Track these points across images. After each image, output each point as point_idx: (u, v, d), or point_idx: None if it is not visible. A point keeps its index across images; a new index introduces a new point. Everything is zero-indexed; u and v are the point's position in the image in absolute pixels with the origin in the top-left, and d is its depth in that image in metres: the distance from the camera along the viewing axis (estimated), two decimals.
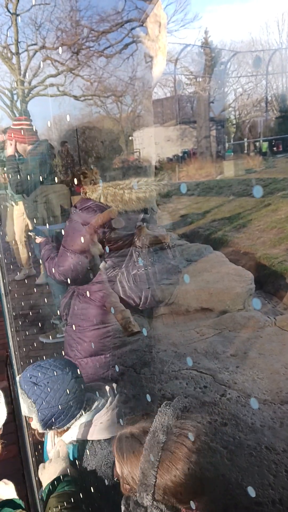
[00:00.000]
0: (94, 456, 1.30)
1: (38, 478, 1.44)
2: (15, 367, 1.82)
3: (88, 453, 1.31)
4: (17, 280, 4.32)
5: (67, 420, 1.32)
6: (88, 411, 1.35)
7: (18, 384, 1.36)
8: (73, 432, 1.33)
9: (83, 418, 1.33)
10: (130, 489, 1.02)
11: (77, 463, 1.31)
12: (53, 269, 1.68)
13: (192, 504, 0.93)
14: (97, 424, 1.31)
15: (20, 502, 1.23)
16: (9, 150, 3.07)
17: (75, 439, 1.33)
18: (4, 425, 2.33)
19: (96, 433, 1.31)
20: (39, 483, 1.46)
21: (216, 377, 2.20)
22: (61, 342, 2.85)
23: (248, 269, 3.76)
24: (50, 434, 1.46)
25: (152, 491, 0.94)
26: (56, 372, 1.33)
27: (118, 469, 1.06)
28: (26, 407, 1.30)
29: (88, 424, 1.32)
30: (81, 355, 1.73)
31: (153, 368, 2.29)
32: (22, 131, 2.98)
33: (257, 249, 5.29)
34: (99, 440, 1.31)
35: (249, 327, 2.76)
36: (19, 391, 1.33)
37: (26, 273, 4.42)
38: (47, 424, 1.30)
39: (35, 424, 1.32)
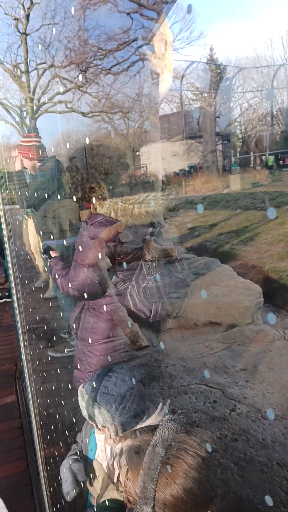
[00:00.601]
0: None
1: (49, 495, 1.44)
2: (27, 380, 1.83)
3: None
4: (36, 288, 4.41)
5: (143, 417, 1.34)
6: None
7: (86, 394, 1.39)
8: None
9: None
10: (133, 502, 1.03)
11: None
12: (67, 285, 1.69)
13: None
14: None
15: None
16: (17, 166, 3.14)
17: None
18: (11, 439, 2.33)
19: None
20: (51, 499, 1.46)
21: (226, 391, 2.18)
22: (70, 356, 2.84)
23: (256, 283, 3.75)
24: (100, 440, 1.45)
25: (152, 504, 0.95)
26: (119, 376, 1.40)
27: (121, 481, 1.06)
28: (101, 418, 1.32)
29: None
30: (91, 368, 1.73)
31: (162, 382, 2.27)
32: (32, 147, 3.04)
33: (265, 262, 5.27)
34: None
35: (258, 341, 2.74)
36: (92, 404, 1.35)
37: (44, 280, 4.49)
38: (127, 426, 1.32)
39: (112, 430, 1.33)
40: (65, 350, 3.07)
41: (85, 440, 1.51)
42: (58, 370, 2.75)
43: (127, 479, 1.03)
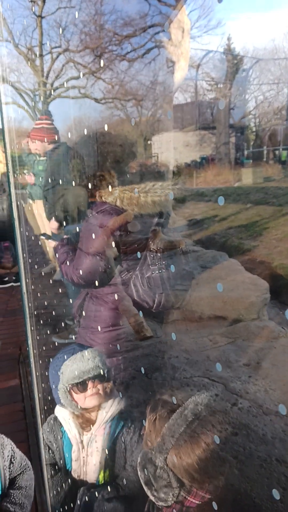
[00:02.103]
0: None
1: (46, 458, 1.49)
2: (32, 365, 1.84)
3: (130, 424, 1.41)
4: (45, 273, 4.39)
5: None
6: None
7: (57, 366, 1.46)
8: (104, 412, 1.39)
9: None
10: (150, 447, 1.09)
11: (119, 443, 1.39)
12: (71, 272, 1.69)
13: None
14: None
15: None
16: (32, 148, 3.13)
17: (110, 415, 1.40)
18: (13, 422, 2.35)
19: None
20: (48, 461, 1.51)
21: (228, 386, 2.18)
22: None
23: (264, 278, 3.71)
24: (73, 432, 1.46)
25: (166, 456, 1.02)
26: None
27: (146, 425, 1.14)
28: (93, 365, 1.39)
29: (118, 398, 1.42)
30: None
31: (165, 373, 2.27)
32: (42, 129, 3.03)
33: (273, 258, 5.23)
34: None
35: (263, 337, 2.73)
36: (75, 357, 1.42)
37: (53, 266, 4.48)
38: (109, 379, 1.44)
39: (95, 390, 1.39)
40: (69, 336, 3.08)
41: (59, 443, 1.50)
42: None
43: (151, 424, 1.10)
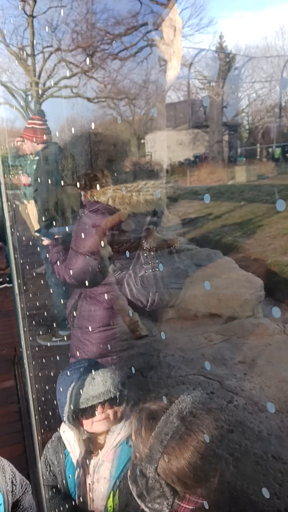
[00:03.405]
0: None
1: (45, 478, 1.44)
2: (26, 366, 1.83)
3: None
4: (37, 273, 4.34)
5: None
6: None
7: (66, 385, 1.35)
8: (115, 435, 1.30)
9: None
10: (139, 459, 1.07)
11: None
12: (63, 272, 1.68)
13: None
14: None
15: None
16: (26, 149, 3.12)
17: (121, 439, 1.30)
18: (9, 424, 2.34)
19: None
20: (47, 483, 1.47)
21: (224, 383, 2.18)
22: (64, 344, 2.84)
23: (258, 276, 3.73)
24: (77, 456, 1.36)
25: (156, 466, 0.99)
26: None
27: (133, 437, 1.11)
28: (110, 384, 1.30)
29: (128, 422, 1.32)
30: (88, 356, 1.73)
31: (160, 372, 2.27)
32: (34, 130, 3.01)
33: (267, 255, 5.24)
34: None
35: (258, 335, 2.74)
36: (90, 377, 1.32)
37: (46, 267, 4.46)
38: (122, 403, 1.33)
39: (105, 415, 1.29)
40: (52, 339, 3.05)
41: (61, 466, 1.39)
42: (57, 357, 2.76)
43: (138, 435, 1.07)
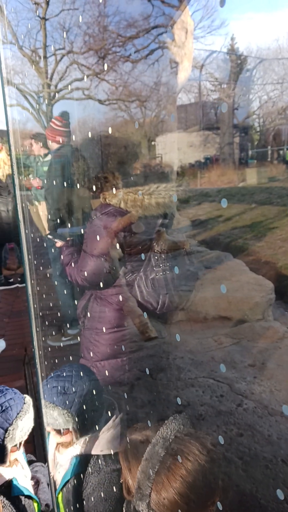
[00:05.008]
0: (97, 473, 1.25)
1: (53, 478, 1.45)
2: (38, 366, 1.85)
3: (91, 470, 1.26)
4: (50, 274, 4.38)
5: (103, 423, 1.29)
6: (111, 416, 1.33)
7: (43, 398, 1.32)
8: (77, 446, 1.30)
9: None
10: (131, 495, 1.03)
11: (76, 480, 1.27)
12: (75, 274, 1.69)
13: None
14: (103, 437, 1.28)
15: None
16: (35, 150, 3.17)
17: (78, 453, 1.29)
18: None
19: (101, 447, 1.27)
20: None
21: (233, 386, 2.17)
22: (75, 344, 2.85)
23: (269, 279, 3.71)
24: (52, 445, 1.42)
25: (148, 501, 0.94)
26: (77, 377, 1.33)
27: (123, 473, 1.07)
28: (62, 420, 1.25)
29: (93, 437, 1.29)
30: (98, 357, 1.74)
31: (170, 374, 2.27)
32: (50, 129, 3.07)
33: (278, 258, 5.21)
34: (104, 456, 1.26)
35: (268, 338, 2.72)
36: (49, 406, 1.29)
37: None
38: (87, 430, 1.27)
39: (70, 436, 1.28)
40: (62, 339, 3.06)
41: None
42: (70, 357, 2.78)
43: (128, 471, 1.03)
